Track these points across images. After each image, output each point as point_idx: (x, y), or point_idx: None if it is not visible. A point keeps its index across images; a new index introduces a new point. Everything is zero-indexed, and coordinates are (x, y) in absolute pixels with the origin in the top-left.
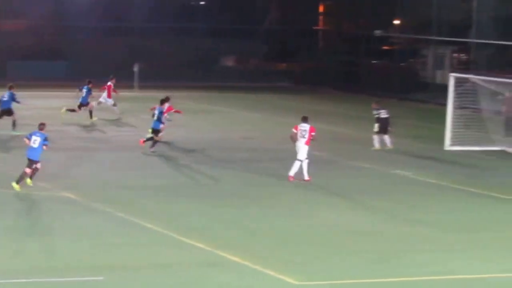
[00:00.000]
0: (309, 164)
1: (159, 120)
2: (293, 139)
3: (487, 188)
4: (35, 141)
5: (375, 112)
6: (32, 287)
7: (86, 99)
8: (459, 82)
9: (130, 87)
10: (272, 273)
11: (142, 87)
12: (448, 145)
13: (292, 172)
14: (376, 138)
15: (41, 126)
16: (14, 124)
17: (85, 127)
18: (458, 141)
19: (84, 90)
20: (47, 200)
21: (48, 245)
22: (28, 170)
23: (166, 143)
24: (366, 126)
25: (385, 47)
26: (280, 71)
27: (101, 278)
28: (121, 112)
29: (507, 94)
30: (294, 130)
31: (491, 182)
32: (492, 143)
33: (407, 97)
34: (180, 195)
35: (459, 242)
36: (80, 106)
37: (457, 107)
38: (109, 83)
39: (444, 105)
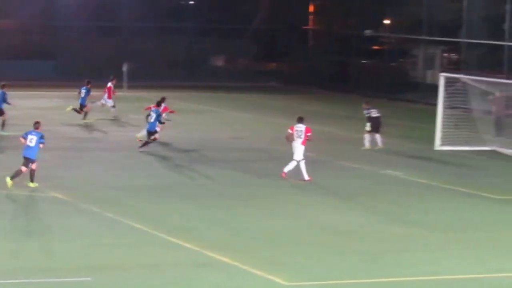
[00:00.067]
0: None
1: (155, 122)
2: (289, 139)
3: (477, 188)
4: (32, 140)
5: (365, 111)
6: (20, 287)
7: (85, 100)
8: (449, 82)
9: (119, 87)
10: (261, 273)
11: (131, 87)
12: (438, 145)
13: (286, 169)
14: (367, 137)
15: (37, 125)
16: (3, 124)
17: (74, 126)
18: (448, 141)
19: (83, 91)
20: (37, 200)
21: (37, 246)
22: (24, 169)
23: (156, 143)
24: (356, 126)
25: (375, 47)
26: (269, 71)
27: (89, 278)
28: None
29: (497, 94)
30: (290, 131)
31: (481, 182)
32: (483, 143)
33: (397, 97)
34: (168, 195)
35: (448, 242)
36: (80, 107)
37: (447, 107)
38: (109, 84)
39: (434, 105)
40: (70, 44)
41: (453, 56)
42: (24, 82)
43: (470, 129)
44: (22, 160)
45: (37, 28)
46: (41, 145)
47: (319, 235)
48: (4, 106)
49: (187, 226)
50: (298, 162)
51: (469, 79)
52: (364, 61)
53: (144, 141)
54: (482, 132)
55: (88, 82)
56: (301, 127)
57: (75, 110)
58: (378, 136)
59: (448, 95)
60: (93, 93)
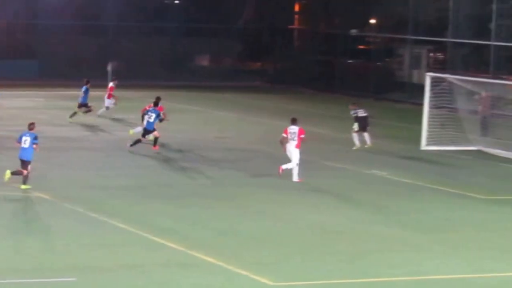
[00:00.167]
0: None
1: (154, 121)
2: (283, 143)
3: (463, 188)
4: (26, 141)
5: (352, 112)
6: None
7: (85, 99)
8: (435, 82)
9: (103, 86)
10: (246, 273)
11: (116, 86)
12: (424, 145)
13: (284, 166)
14: (356, 136)
15: (31, 126)
16: None
17: (57, 126)
18: (434, 141)
19: (83, 90)
20: (19, 200)
21: (20, 246)
22: (24, 172)
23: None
24: (342, 126)
25: (361, 47)
26: (255, 70)
27: (74, 279)
28: (102, 114)
29: (483, 93)
30: (284, 134)
31: (467, 182)
32: (469, 142)
33: (383, 96)
34: (153, 195)
35: (433, 242)
36: (79, 106)
37: (433, 107)
38: (111, 84)
39: (420, 104)
40: (53, 43)
41: (439, 55)
42: (7, 82)
43: (456, 129)
44: (19, 162)
45: (20, 27)
46: (34, 146)
47: (304, 235)
48: None
49: (172, 226)
50: (296, 164)
51: (455, 78)
52: (350, 61)
53: (136, 140)
54: (468, 132)
55: (87, 82)
56: (294, 128)
57: (86, 111)
58: (366, 135)
59: (434, 94)
60: (97, 93)
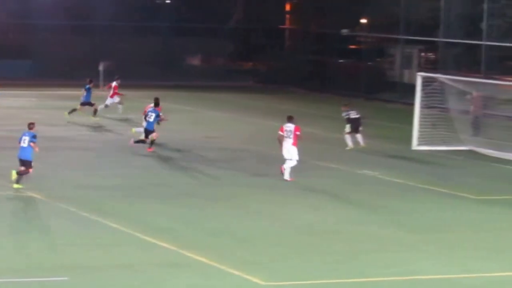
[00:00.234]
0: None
1: (154, 121)
2: (281, 141)
3: (454, 188)
4: (25, 141)
5: (344, 113)
6: None
7: (88, 98)
8: (426, 82)
9: (95, 86)
10: (238, 273)
11: (119, 85)
12: (415, 145)
13: (285, 165)
14: (348, 137)
15: (31, 126)
16: None
17: (50, 126)
18: (425, 141)
19: (85, 89)
20: (11, 200)
21: (11, 245)
22: (29, 170)
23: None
24: (334, 126)
25: (352, 46)
26: (246, 70)
27: (65, 278)
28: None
29: (474, 93)
30: (280, 132)
31: (459, 182)
32: (460, 142)
33: (374, 96)
34: (145, 195)
35: (424, 242)
36: (83, 104)
37: (424, 107)
38: (114, 83)
39: (411, 104)
40: (46, 43)
41: (431, 55)
42: None
43: (447, 129)
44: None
45: (14, 27)
46: (32, 144)
47: (296, 235)
48: None
49: (164, 226)
50: (296, 161)
51: (446, 78)
52: (341, 61)
53: (140, 139)
54: (459, 132)
55: (91, 81)
56: (290, 126)
57: (94, 111)
58: (359, 136)
59: (426, 94)
60: (99, 93)
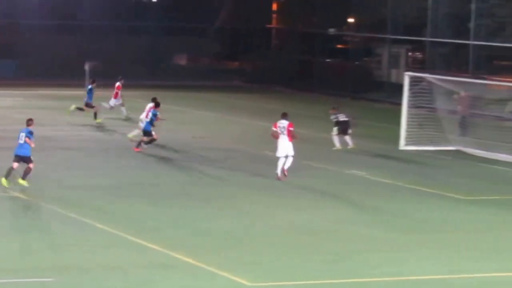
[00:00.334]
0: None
1: (151, 122)
2: (275, 137)
3: (442, 188)
4: (21, 138)
5: (333, 116)
6: None
7: (90, 99)
8: (414, 81)
9: (81, 86)
10: (226, 274)
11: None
12: (403, 145)
13: (286, 166)
14: (336, 138)
15: (29, 122)
16: None
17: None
18: (413, 141)
19: (87, 90)
20: None
21: None
22: (15, 165)
23: (120, 143)
24: (321, 126)
25: (339, 46)
26: (232, 69)
27: (51, 279)
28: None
29: (462, 93)
30: (274, 128)
31: (446, 182)
32: (448, 142)
33: (361, 96)
34: (131, 195)
35: (412, 242)
36: (86, 105)
37: (412, 107)
38: (117, 84)
39: (399, 104)
40: (32, 43)
41: (418, 55)
42: None
43: (435, 129)
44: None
45: None
46: (27, 140)
47: (284, 236)
48: None
49: (151, 227)
50: (291, 156)
51: (434, 78)
52: (328, 60)
53: (149, 140)
54: (447, 132)
55: (93, 81)
56: (284, 123)
57: (78, 108)
58: (347, 137)
59: (413, 94)
60: (102, 93)
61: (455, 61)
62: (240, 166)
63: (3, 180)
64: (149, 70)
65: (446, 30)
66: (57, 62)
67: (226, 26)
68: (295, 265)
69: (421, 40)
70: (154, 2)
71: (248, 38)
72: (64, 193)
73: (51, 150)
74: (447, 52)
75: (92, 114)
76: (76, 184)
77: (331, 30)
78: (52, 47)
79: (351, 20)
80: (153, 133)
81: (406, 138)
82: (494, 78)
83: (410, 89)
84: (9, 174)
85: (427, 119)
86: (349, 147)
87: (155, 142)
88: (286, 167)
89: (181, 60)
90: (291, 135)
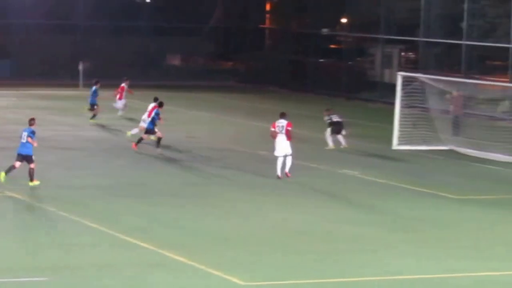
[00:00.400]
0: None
1: (153, 121)
2: (274, 137)
3: (434, 187)
4: (24, 137)
5: (326, 118)
6: None
7: (94, 100)
8: (407, 81)
9: (75, 85)
10: (217, 273)
11: (87, 86)
12: (396, 145)
13: (287, 168)
14: (329, 137)
15: (31, 122)
16: None
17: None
18: (406, 141)
19: (92, 90)
20: None
21: None
22: (17, 164)
23: (111, 142)
24: (314, 125)
25: (332, 46)
26: (226, 69)
27: (45, 278)
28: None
29: (454, 93)
30: (272, 128)
31: (439, 181)
32: (440, 142)
33: (355, 96)
34: (124, 194)
35: (403, 241)
36: (91, 107)
37: (405, 106)
38: (122, 84)
39: (392, 104)
40: (25, 43)
41: (411, 55)
42: None
43: (427, 129)
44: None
45: None
46: (29, 139)
47: (275, 235)
48: None
49: (143, 226)
50: (290, 155)
51: (426, 78)
52: (321, 60)
53: (157, 140)
54: (439, 132)
55: (97, 82)
56: (282, 122)
57: (93, 114)
58: (340, 137)
59: (406, 94)
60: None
61: (447, 61)
62: (234, 165)
63: (2, 174)
64: (142, 70)
65: (438, 30)
66: (51, 62)
67: (219, 26)
68: (285, 264)
69: (414, 40)
70: (148, 2)
71: (241, 38)
72: (55, 193)
73: (40, 150)
74: (440, 52)
75: (92, 115)
76: (69, 184)
77: (324, 30)
78: (46, 47)
79: (344, 20)
80: (156, 130)
81: (399, 137)
82: (486, 78)
83: (403, 89)
84: (9, 171)
85: (420, 119)
86: (342, 147)
87: (152, 142)
88: (287, 169)
89: (175, 60)
90: (289, 135)
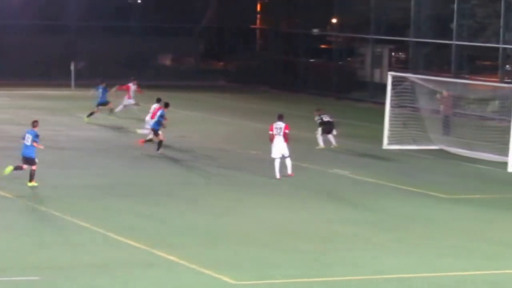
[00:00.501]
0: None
1: (158, 122)
2: (272, 140)
3: (424, 187)
4: (28, 139)
5: (317, 118)
6: None
7: (104, 99)
8: (397, 81)
9: (67, 85)
10: (209, 272)
11: (79, 86)
12: (386, 144)
13: (289, 170)
14: (319, 137)
15: (35, 124)
16: None
17: (20, 126)
18: (396, 140)
19: (100, 90)
20: None
21: None
22: (24, 166)
23: (102, 142)
24: (305, 125)
25: (322, 46)
26: (217, 69)
27: (37, 278)
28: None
29: (444, 93)
30: (270, 132)
31: (429, 181)
32: (430, 142)
33: (345, 96)
34: (114, 194)
35: (395, 241)
36: (104, 105)
37: (395, 106)
38: (129, 84)
39: (382, 104)
40: (16, 43)
41: (401, 55)
42: None
43: (417, 128)
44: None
45: None
46: (34, 144)
47: (266, 234)
48: None
49: (134, 225)
50: (288, 157)
51: (417, 78)
52: (311, 60)
53: (147, 139)
54: (429, 131)
55: (102, 81)
56: (280, 124)
57: (90, 114)
58: (330, 136)
59: (396, 94)
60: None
61: (437, 61)
62: (225, 165)
63: (10, 168)
64: (133, 70)
65: (428, 30)
66: (43, 62)
67: (211, 26)
68: (276, 263)
69: (404, 40)
70: (140, 2)
71: (232, 38)
72: (47, 192)
73: (40, 149)
74: (430, 52)
75: (89, 113)
76: (60, 183)
77: (315, 30)
78: (37, 48)
79: (334, 20)
80: (159, 132)
81: (389, 137)
82: (476, 78)
83: (393, 89)
84: (16, 169)
85: (410, 119)
86: (332, 146)
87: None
88: (289, 170)
89: (166, 60)
90: (286, 137)
